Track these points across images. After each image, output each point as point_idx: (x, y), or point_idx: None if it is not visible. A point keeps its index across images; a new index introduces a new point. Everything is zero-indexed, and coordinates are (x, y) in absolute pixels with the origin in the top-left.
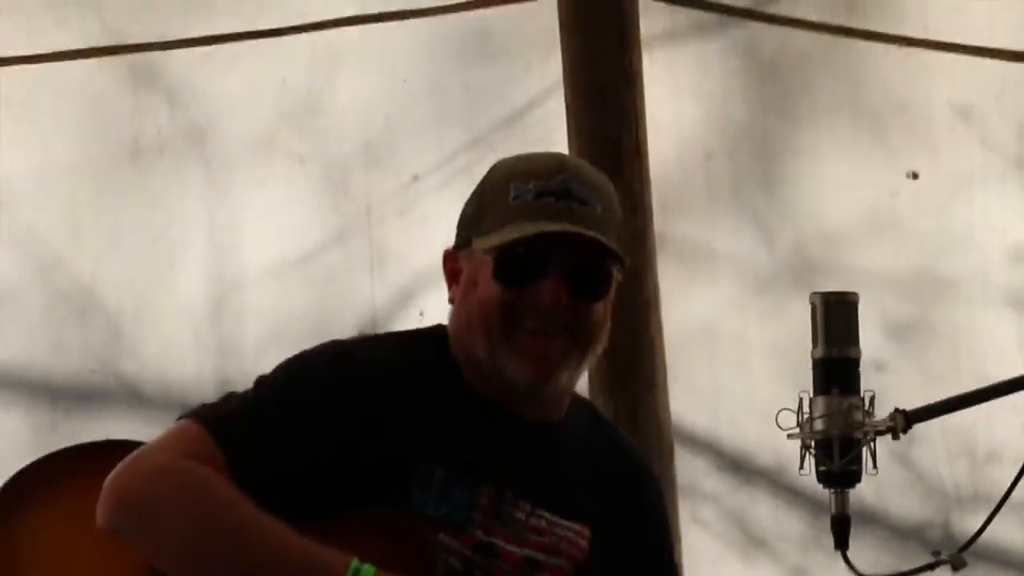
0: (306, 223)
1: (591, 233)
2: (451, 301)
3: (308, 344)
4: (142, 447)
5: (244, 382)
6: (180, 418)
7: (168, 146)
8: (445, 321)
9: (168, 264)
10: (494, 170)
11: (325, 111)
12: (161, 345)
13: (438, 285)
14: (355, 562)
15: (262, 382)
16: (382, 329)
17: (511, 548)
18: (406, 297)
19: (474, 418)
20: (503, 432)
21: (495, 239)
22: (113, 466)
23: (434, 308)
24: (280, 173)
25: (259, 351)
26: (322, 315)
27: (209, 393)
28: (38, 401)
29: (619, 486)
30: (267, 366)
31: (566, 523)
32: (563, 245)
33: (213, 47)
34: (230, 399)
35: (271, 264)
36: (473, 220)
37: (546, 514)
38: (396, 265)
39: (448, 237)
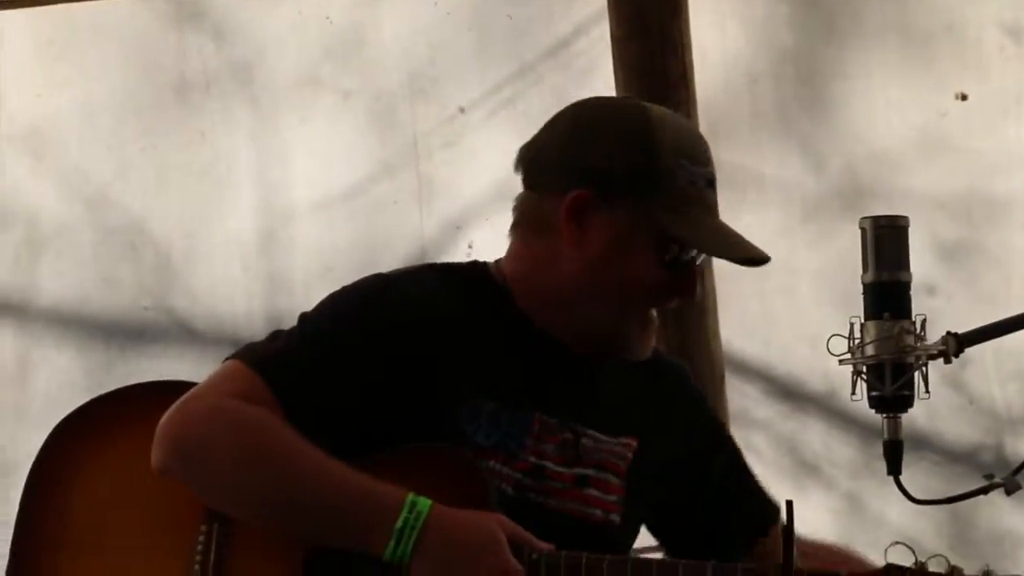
0: (353, 157)
1: (761, 257)
2: (574, 244)
3: (357, 277)
4: (192, 389)
5: (295, 316)
6: (227, 359)
7: (214, 83)
8: (497, 252)
9: (217, 199)
10: (654, 131)
11: (369, 45)
12: (211, 281)
13: (487, 217)
14: (411, 496)
15: (306, 319)
16: (432, 260)
17: (560, 469)
18: (454, 230)
19: (521, 348)
20: (551, 361)
21: (686, 231)
22: (164, 404)
23: (482, 241)
24: (326, 108)
25: (308, 285)
26: (370, 248)
27: (260, 328)
28: (92, 339)
29: (666, 397)
30: (317, 300)
31: (613, 439)
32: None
33: None
34: (276, 337)
35: (319, 198)
36: (641, 184)
37: (594, 433)
38: (444, 198)
39: (496, 167)
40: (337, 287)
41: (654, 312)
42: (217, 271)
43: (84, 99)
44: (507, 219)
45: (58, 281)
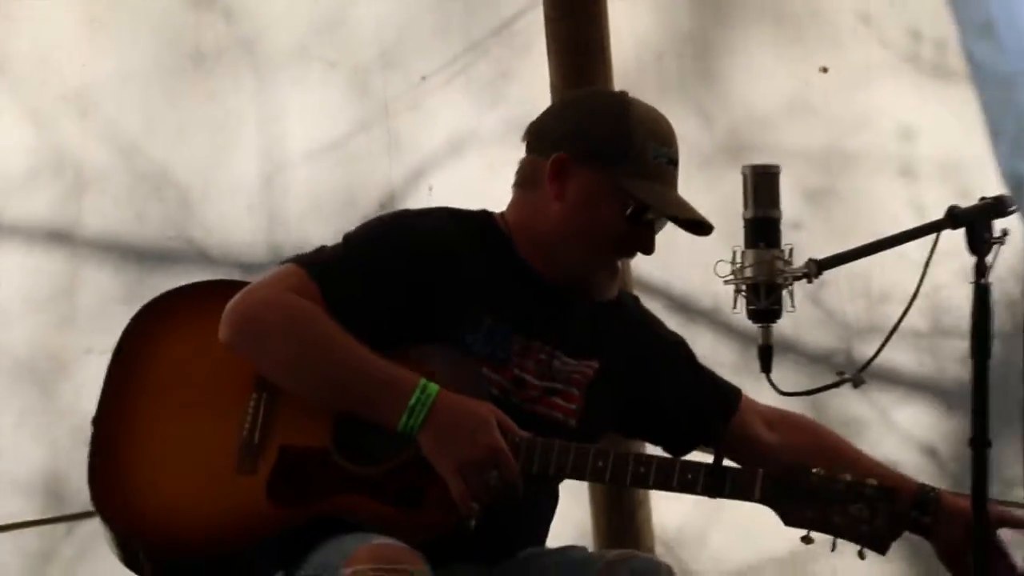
0: (336, 116)
1: (703, 221)
2: (556, 197)
3: (348, 217)
4: (255, 282)
5: (289, 245)
6: (283, 262)
7: (224, 54)
8: (451, 194)
9: (227, 149)
10: (630, 115)
11: (348, 25)
12: (222, 216)
13: (443, 166)
14: (423, 380)
15: (349, 237)
16: (399, 202)
17: (535, 381)
18: (417, 176)
19: (517, 281)
20: (539, 295)
21: (646, 194)
22: (223, 300)
23: (439, 185)
24: (314, 75)
25: (300, 220)
26: (350, 190)
27: (261, 254)
28: (126, 261)
29: (623, 325)
30: (306, 232)
31: (578, 361)
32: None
33: None
34: (322, 250)
35: (309, 150)
36: (612, 153)
37: (563, 356)
38: (408, 150)
39: (450, 125)
40: (322, 223)
41: (619, 263)
42: (226, 208)
43: (119, 67)
44: (460, 166)
45: (99, 216)
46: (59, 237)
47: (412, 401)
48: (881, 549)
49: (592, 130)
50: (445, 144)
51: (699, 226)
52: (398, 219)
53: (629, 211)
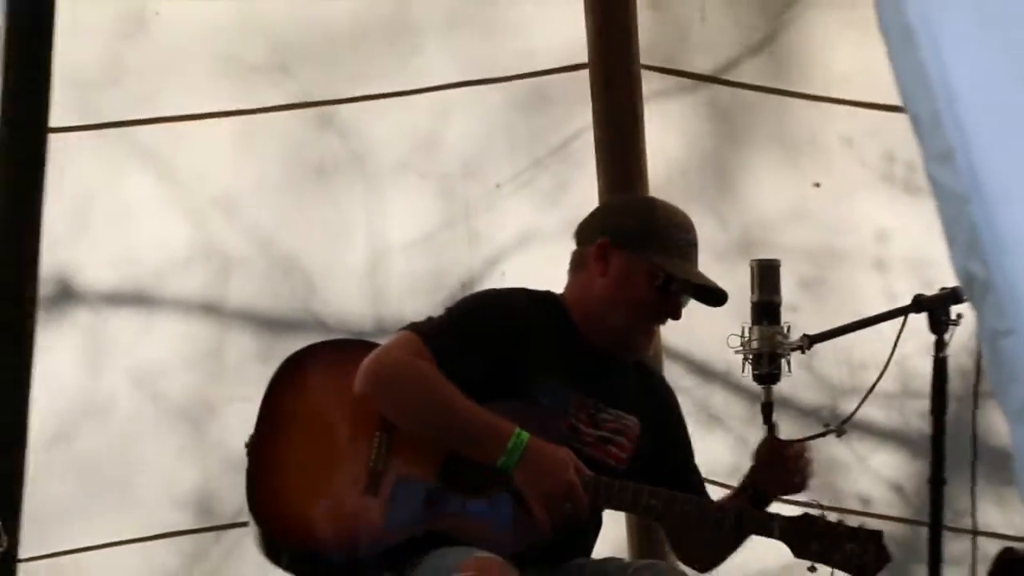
0: (428, 215)
1: (718, 290)
2: (601, 275)
3: (438, 295)
4: (384, 344)
5: (389, 317)
6: (400, 330)
7: (340, 167)
8: (523, 276)
9: (342, 241)
10: (660, 211)
11: (439, 143)
12: (337, 293)
13: (511, 256)
14: (517, 428)
15: (450, 310)
16: (478, 284)
17: (589, 430)
18: (492, 263)
19: (574, 347)
20: (593, 361)
21: (671, 267)
22: (356, 355)
23: (511, 271)
24: (411, 183)
25: (399, 297)
26: (438, 275)
27: (368, 324)
28: (262, 328)
29: (656, 396)
30: (403, 307)
31: (625, 415)
32: (693, 285)
33: (371, 102)
34: (431, 320)
35: (405, 242)
36: (643, 236)
37: (613, 410)
38: (485, 243)
39: (518, 223)
40: (416, 300)
41: (653, 328)
42: (341, 287)
43: (259, 176)
44: (526, 256)
45: (241, 293)
46: (210, 309)
47: (510, 444)
48: None
49: (627, 221)
50: (514, 239)
51: (716, 298)
52: (488, 297)
53: (659, 283)
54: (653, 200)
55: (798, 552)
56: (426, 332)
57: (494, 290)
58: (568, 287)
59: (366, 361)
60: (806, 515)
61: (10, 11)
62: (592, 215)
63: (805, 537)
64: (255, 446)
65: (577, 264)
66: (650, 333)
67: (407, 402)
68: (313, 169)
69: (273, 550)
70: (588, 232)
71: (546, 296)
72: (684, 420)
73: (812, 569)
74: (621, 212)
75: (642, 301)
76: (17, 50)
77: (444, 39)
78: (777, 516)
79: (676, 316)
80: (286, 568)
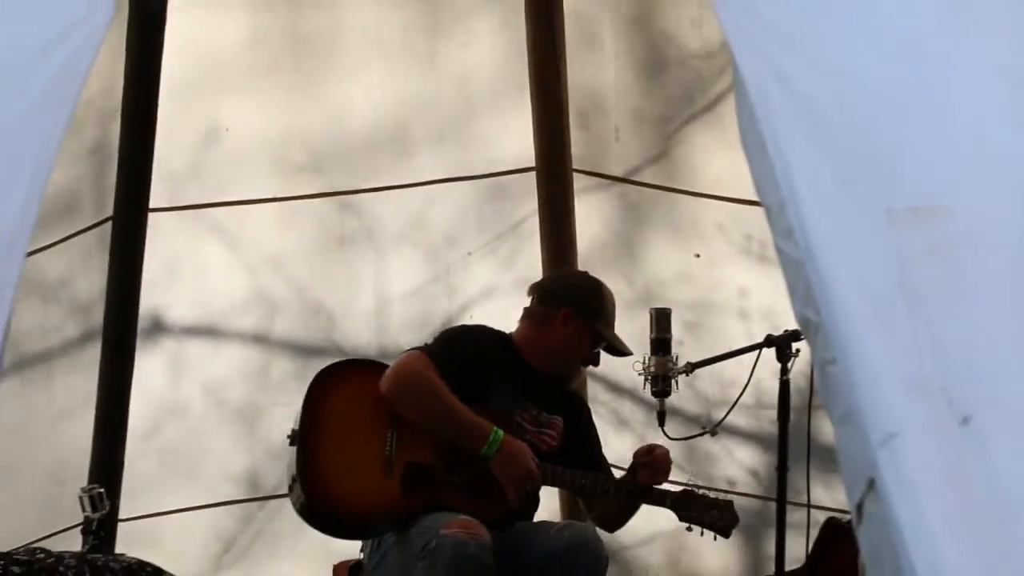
0: (418, 273)
1: (628, 351)
2: (559, 334)
3: (425, 331)
4: (402, 358)
5: (390, 346)
6: (408, 350)
7: (356, 239)
8: (491, 318)
9: (355, 291)
10: (605, 294)
11: (427, 222)
12: (353, 329)
13: (478, 304)
14: (496, 427)
15: (440, 337)
16: (454, 323)
17: (530, 427)
18: (464, 309)
19: (522, 370)
20: (532, 378)
21: (609, 336)
22: (369, 371)
23: (478, 315)
24: (406, 250)
25: (398, 334)
26: (426, 316)
27: (373, 351)
28: (297, 353)
29: (574, 405)
30: (400, 339)
31: (553, 416)
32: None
33: (379, 192)
34: (428, 344)
35: (403, 293)
36: (596, 312)
37: (545, 413)
38: (459, 295)
39: (483, 283)
40: (410, 334)
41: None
42: (355, 325)
43: (297, 243)
44: (488, 305)
45: (283, 327)
46: (260, 339)
47: (491, 439)
48: (727, 535)
49: (584, 296)
50: (480, 292)
51: (623, 354)
52: (466, 329)
53: (598, 347)
54: (598, 280)
55: (681, 517)
56: (430, 352)
57: (466, 326)
58: (523, 332)
59: (390, 370)
60: (687, 490)
61: (125, 126)
62: (555, 284)
63: (686, 507)
64: (301, 439)
65: (541, 320)
66: (581, 372)
67: (419, 403)
68: (336, 240)
69: (314, 515)
70: (554, 299)
71: (501, 334)
72: (593, 420)
73: (689, 529)
74: (580, 288)
75: (584, 355)
76: (128, 152)
77: (433, 148)
78: (669, 492)
79: (596, 364)
80: (320, 528)
